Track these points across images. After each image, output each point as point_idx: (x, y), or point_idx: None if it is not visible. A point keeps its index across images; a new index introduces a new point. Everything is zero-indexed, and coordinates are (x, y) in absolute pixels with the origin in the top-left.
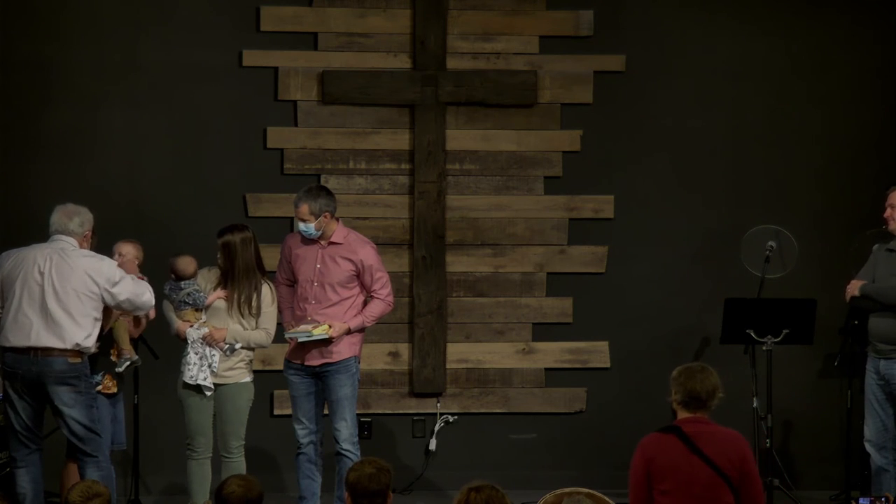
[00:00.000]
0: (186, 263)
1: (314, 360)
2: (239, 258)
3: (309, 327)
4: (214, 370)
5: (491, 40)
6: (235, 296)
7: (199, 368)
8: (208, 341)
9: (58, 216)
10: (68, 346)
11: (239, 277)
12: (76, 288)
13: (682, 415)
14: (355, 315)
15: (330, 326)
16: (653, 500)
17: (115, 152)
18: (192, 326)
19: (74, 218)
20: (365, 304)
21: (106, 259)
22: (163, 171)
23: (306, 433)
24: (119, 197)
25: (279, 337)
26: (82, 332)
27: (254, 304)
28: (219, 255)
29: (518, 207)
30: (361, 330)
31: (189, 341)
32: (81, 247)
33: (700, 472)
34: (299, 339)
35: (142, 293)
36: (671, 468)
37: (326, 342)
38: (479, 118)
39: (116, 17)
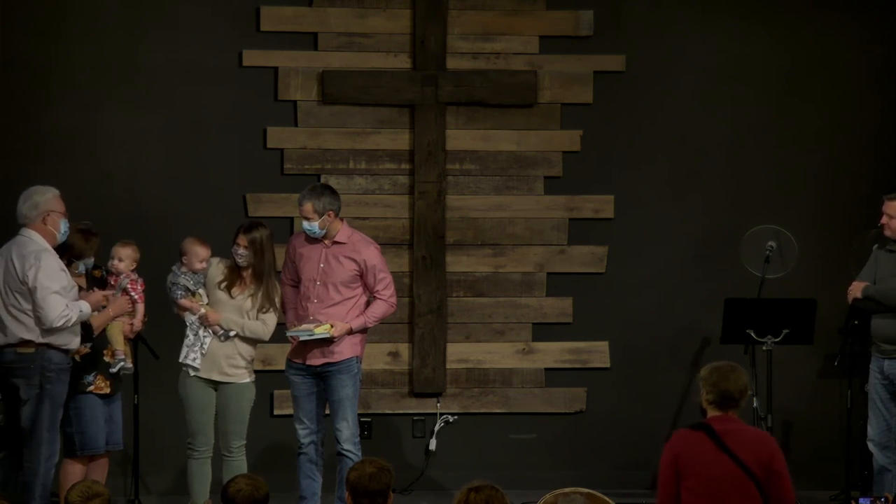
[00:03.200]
0: (189, 244)
1: (316, 360)
2: (268, 254)
3: (311, 326)
4: (204, 353)
5: (491, 40)
6: (260, 292)
7: (190, 349)
8: (203, 322)
9: (18, 204)
10: (11, 341)
11: (267, 273)
12: (7, 282)
13: (713, 413)
14: (357, 315)
15: (332, 326)
16: (680, 496)
17: (115, 152)
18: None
19: (26, 202)
20: (368, 304)
21: (44, 261)
22: (163, 172)
23: (307, 433)
24: (119, 197)
25: (280, 337)
26: (20, 326)
27: (277, 302)
28: (242, 251)
29: (518, 207)
30: (364, 330)
31: (188, 322)
32: (45, 232)
33: (727, 470)
34: (301, 338)
35: (52, 309)
36: (698, 464)
37: (328, 342)
38: (479, 118)
39: (117, 17)
